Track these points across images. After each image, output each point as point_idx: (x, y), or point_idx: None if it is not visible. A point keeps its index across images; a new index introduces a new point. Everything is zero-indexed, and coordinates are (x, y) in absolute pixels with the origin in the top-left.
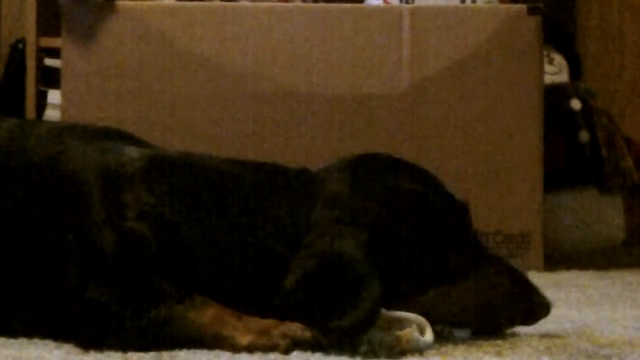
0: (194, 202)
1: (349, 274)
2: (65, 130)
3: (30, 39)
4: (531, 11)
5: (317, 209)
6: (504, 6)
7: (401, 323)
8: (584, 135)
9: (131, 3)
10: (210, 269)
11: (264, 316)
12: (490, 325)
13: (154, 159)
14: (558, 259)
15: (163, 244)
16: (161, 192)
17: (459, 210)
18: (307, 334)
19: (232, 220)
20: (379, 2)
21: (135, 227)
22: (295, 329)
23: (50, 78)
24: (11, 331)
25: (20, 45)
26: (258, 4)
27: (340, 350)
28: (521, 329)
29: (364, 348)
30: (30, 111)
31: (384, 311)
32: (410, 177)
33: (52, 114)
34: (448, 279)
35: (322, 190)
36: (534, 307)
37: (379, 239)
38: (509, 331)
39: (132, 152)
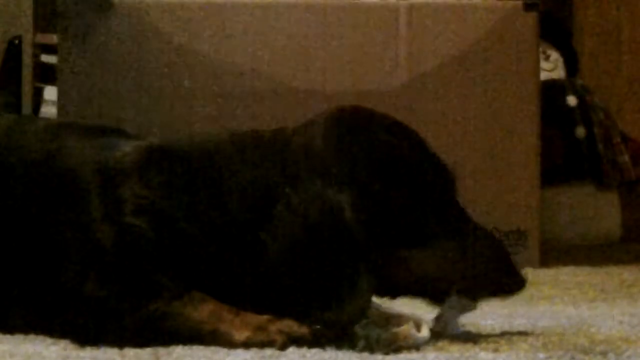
0: (189, 193)
1: (341, 241)
2: (62, 127)
3: (27, 35)
4: (528, 7)
5: (294, 170)
6: (500, 2)
7: (398, 319)
8: (581, 132)
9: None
10: (208, 260)
11: (262, 311)
12: (464, 292)
13: (146, 151)
14: (555, 255)
15: (161, 238)
16: (156, 184)
17: (442, 172)
18: (304, 330)
19: (225, 207)
20: None
21: (133, 222)
22: (292, 325)
23: (47, 74)
24: (7, 327)
25: (17, 42)
26: (256, 0)
27: (337, 347)
28: (519, 325)
29: (361, 344)
30: (26, 107)
31: (380, 307)
32: (391, 133)
33: (48, 111)
34: (424, 241)
35: (299, 152)
36: (509, 282)
37: (359, 197)
38: (505, 327)
39: (126, 146)
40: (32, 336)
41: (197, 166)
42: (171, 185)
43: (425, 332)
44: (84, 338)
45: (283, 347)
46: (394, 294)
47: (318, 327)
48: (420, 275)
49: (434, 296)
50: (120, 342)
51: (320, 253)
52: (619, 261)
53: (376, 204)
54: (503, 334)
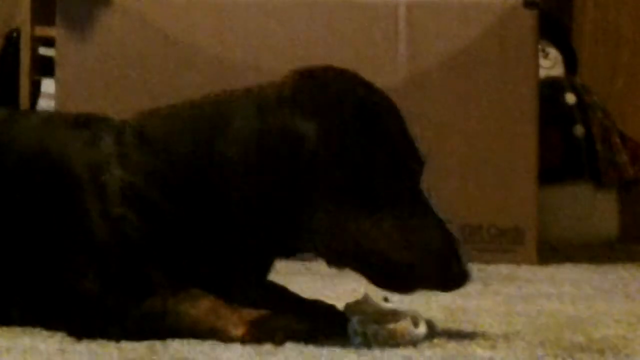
0: (167, 167)
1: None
2: (49, 120)
3: (25, 28)
4: (528, 5)
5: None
6: (500, 0)
7: (395, 316)
8: (579, 130)
9: None
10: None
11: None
12: (398, 276)
13: (119, 132)
14: (552, 253)
15: (148, 225)
16: (134, 166)
17: (411, 150)
18: (302, 325)
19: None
20: None
21: (122, 213)
22: (290, 320)
23: (45, 67)
24: (4, 320)
25: (15, 35)
26: None
27: (333, 343)
28: (516, 323)
29: (358, 340)
30: (24, 101)
31: (378, 303)
32: (370, 93)
33: (46, 104)
34: (372, 209)
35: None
36: (452, 275)
37: (324, 134)
38: (502, 325)
39: (107, 134)
40: (29, 330)
41: (173, 136)
42: (148, 163)
43: (422, 329)
44: (81, 334)
45: (280, 343)
46: (336, 262)
47: (316, 323)
48: (359, 244)
49: (375, 276)
50: (117, 338)
51: (276, 176)
52: (616, 260)
53: (338, 152)
54: (500, 332)
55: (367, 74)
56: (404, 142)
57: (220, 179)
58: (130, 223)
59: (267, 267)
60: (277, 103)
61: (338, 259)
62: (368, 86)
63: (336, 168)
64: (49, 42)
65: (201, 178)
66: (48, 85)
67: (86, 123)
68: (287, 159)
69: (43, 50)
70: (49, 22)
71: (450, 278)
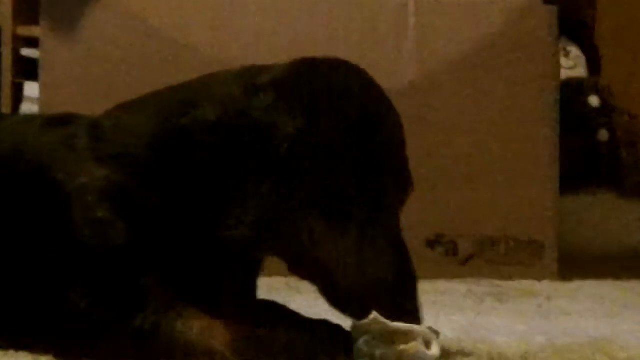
0: (141, 158)
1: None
2: (21, 124)
3: (6, 27)
4: (547, 1)
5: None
6: None
7: (406, 336)
8: (603, 135)
9: None
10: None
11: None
12: (347, 300)
13: (91, 127)
14: (574, 267)
15: (134, 227)
16: (105, 157)
17: (400, 170)
18: (301, 344)
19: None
20: None
21: (104, 216)
22: (289, 338)
23: (28, 70)
24: None
25: None
26: None
27: None
28: (535, 343)
29: None
30: (5, 105)
31: (386, 323)
32: (366, 89)
33: (29, 108)
34: (330, 218)
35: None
36: (403, 312)
37: (300, 130)
38: (521, 344)
39: (80, 130)
40: (10, 352)
41: (150, 122)
42: (124, 155)
43: (435, 350)
44: (69, 353)
45: None
46: (294, 270)
47: (319, 342)
48: (312, 255)
49: (324, 292)
50: (107, 357)
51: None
52: None
53: (314, 150)
54: (518, 352)
55: (373, 75)
56: (394, 161)
57: (190, 165)
58: (115, 226)
59: (251, 267)
60: (259, 87)
61: (294, 266)
62: (370, 86)
63: (309, 166)
64: (33, 43)
65: (176, 163)
66: (31, 89)
67: (59, 122)
68: (250, 148)
69: (26, 51)
70: (33, 20)
71: (400, 314)
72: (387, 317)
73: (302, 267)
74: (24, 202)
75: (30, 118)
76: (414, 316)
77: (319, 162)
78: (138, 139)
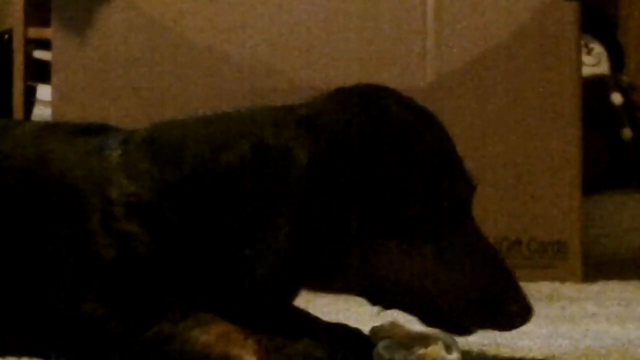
0: (178, 180)
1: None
2: (45, 130)
3: (18, 29)
4: None
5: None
6: None
7: (425, 340)
8: (627, 133)
9: None
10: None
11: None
12: (449, 318)
13: (127, 142)
14: (598, 269)
15: (159, 242)
16: (141, 176)
17: (459, 171)
18: (320, 352)
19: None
20: None
21: (127, 228)
22: (308, 346)
23: (40, 72)
24: None
25: (6, 37)
26: None
27: None
28: (559, 347)
29: None
30: (17, 109)
31: (406, 327)
32: (410, 110)
33: (41, 112)
34: (406, 235)
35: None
36: (513, 311)
37: (328, 151)
38: (544, 348)
39: (113, 143)
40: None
41: (188, 148)
42: (157, 174)
43: (455, 354)
44: None
45: None
46: (378, 302)
47: (338, 348)
48: (396, 282)
49: (423, 317)
50: None
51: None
52: None
53: (358, 177)
54: (541, 356)
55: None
56: (447, 165)
57: (227, 197)
58: (139, 240)
59: (287, 294)
60: (292, 120)
61: (378, 299)
62: (407, 104)
63: (362, 195)
64: (45, 45)
65: (214, 193)
66: (44, 92)
67: (87, 131)
68: (279, 182)
69: (38, 54)
70: (44, 22)
71: (508, 318)
72: (494, 325)
73: (387, 300)
74: (45, 209)
75: (52, 125)
76: (523, 314)
77: (369, 188)
78: (172, 166)
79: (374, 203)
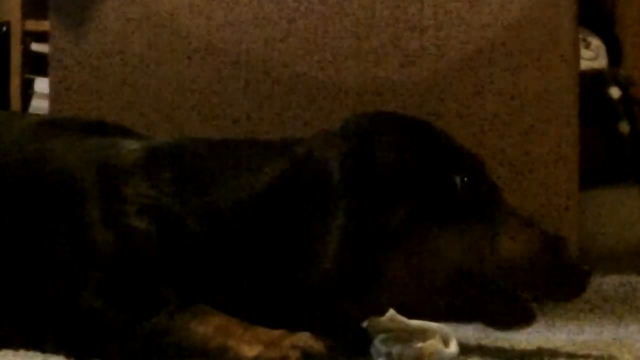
0: (200, 192)
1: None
2: (55, 124)
3: (15, 22)
4: None
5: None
6: None
7: (423, 334)
8: (624, 127)
9: None
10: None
11: (274, 325)
12: (523, 286)
13: (153, 149)
14: (595, 264)
15: (165, 240)
16: (164, 183)
17: (468, 154)
18: (319, 345)
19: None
20: None
21: (136, 224)
22: (307, 339)
23: (38, 65)
24: None
25: (4, 29)
26: None
27: None
28: (555, 341)
29: None
30: (15, 101)
31: (403, 321)
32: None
33: (39, 104)
34: (456, 216)
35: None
36: (574, 275)
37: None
38: (541, 341)
39: (130, 144)
40: (22, 352)
41: (210, 165)
42: (180, 184)
43: (453, 348)
44: (80, 354)
45: None
46: (423, 307)
47: (334, 342)
48: (459, 259)
49: (486, 313)
50: (120, 357)
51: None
52: None
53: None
54: (539, 349)
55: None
56: (456, 149)
57: (254, 217)
58: (145, 236)
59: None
60: (317, 136)
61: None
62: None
63: (405, 187)
64: (43, 37)
65: (240, 209)
66: (42, 84)
67: (100, 129)
68: (322, 190)
69: (36, 46)
70: (42, 15)
71: (575, 280)
72: (559, 292)
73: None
74: (48, 202)
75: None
76: (584, 277)
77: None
78: (204, 185)
79: (421, 191)
